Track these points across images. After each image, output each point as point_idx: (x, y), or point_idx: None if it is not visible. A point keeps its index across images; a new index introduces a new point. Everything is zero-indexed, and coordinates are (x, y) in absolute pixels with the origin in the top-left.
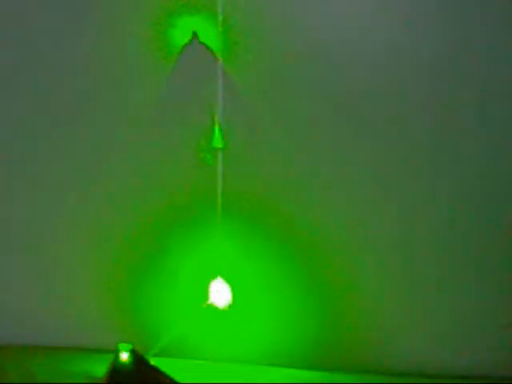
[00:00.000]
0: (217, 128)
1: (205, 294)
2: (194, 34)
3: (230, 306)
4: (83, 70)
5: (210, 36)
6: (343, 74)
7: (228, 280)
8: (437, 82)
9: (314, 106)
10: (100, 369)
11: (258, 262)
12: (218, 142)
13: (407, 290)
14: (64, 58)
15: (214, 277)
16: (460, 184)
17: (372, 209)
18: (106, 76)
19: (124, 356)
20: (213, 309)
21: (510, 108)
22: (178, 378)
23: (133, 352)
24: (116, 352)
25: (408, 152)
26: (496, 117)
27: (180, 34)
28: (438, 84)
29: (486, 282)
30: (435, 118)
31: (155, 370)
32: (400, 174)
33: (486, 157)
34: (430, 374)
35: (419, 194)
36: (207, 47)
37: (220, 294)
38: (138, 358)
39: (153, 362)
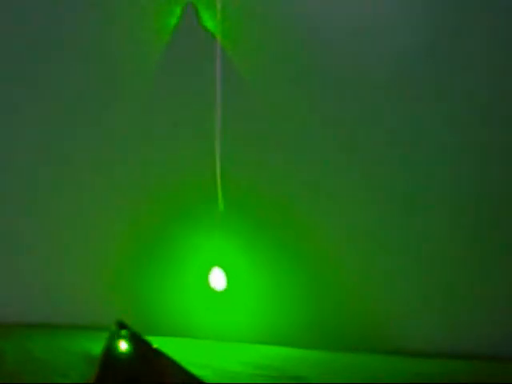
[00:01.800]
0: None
1: (204, 279)
2: (187, 10)
3: (229, 290)
4: (73, 60)
5: (208, 18)
6: (345, 61)
7: (226, 266)
8: (434, 72)
9: (315, 94)
10: (98, 347)
11: (255, 251)
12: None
13: (405, 269)
14: (51, 46)
15: (213, 264)
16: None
17: (366, 198)
18: (101, 66)
19: (121, 337)
20: (212, 292)
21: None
22: (176, 357)
23: (131, 332)
24: (111, 333)
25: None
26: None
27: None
28: (435, 74)
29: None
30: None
31: (155, 351)
32: (401, 175)
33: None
34: (430, 352)
35: (419, 188)
36: (205, 28)
37: (218, 279)
38: (137, 339)
39: (153, 341)
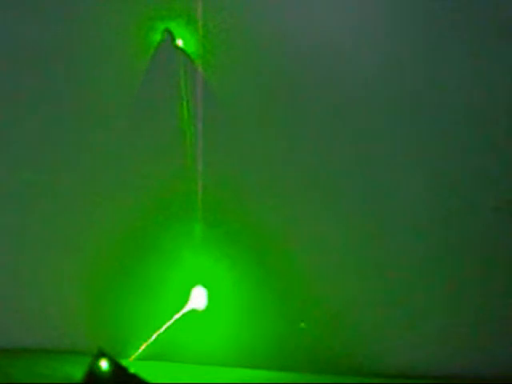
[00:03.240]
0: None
1: (185, 300)
2: (168, 32)
3: (207, 311)
4: (58, 70)
5: (189, 40)
6: (324, 78)
7: (206, 286)
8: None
9: (295, 110)
10: (79, 372)
11: (234, 270)
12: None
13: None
14: (40, 56)
15: (193, 283)
16: (449, 182)
17: (347, 210)
18: (82, 76)
19: (101, 363)
20: (192, 313)
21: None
22: (154, 381)
23: (109, 359)
24: (92, 359)
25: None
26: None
27: (159, 38)
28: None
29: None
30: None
31: (133, 376)
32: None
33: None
34: (396, 373)
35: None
36: (183, 51)
37: (199, 299)
38: (115, 366)
39: (132, 367)
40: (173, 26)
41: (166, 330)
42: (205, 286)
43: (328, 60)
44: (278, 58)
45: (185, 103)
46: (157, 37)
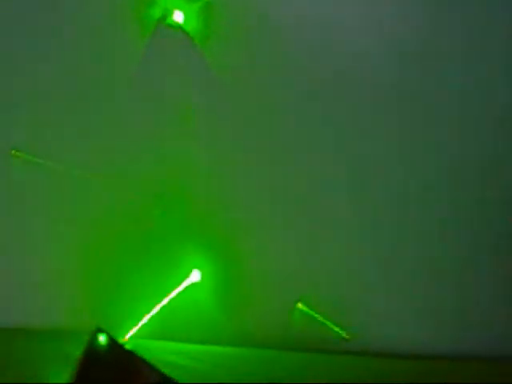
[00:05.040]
0: None
1: (183, 278)
2: (166, 9)
3: (205, 290)
4: (54, 47)
5: (189, 17)
6: (324, 60)
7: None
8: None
9: (290, 90)
10: (76, 350)
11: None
12: None
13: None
14: (38, 38)
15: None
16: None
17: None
18: (78, 55)
19: (99, 340)
20: (189, 291)
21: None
22: (153, 360)
23: (107, 336)
24: (90, 336)
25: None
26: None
27: (159, 15)
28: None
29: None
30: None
31: (130, 353)
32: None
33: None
34: (410, 354)
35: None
36: (182, 29)
37: (196, 279)
38: (113, 342)
39: (128, 344)
40: (172, 2)
41: (163, 308)
42: (202, 267)
43: (331, 36)
44: (282, 37)
45: (184, 83)
46: (156, 13)
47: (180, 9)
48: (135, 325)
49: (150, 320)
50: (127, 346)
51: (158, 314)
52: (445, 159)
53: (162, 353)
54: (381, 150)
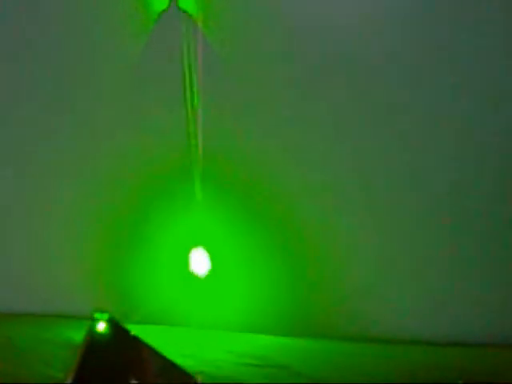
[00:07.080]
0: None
1: (185, 263)
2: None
3: (209, 275)
4: (59, 37)
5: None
6: (324, 48)
7: (208, 249)
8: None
9: (294, 69)
10: (80, 336)
11: (237, 233)
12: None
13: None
14: (38, 29)
15: (193, 246)
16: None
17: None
18: (83, 42)
19: (101, 326)
20: (193, 277)
21: None
22: (157, 345)
23: (111, 321)
24: (92, 321)
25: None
26: None
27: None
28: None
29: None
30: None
31: (134, 338)
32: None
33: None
34: (406, 340)
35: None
36: (186, 13)
37: (200, 262)
38: (116, 327)
39: (133, 329)
40: None
41: (166, 293)
42: (207, 249)
43: (332, 21)
44: (283, 20)
45: (187, 65)
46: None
47: None
48: (141, 310)
49: (155, 305)
50: (132, 331)
51: (163, 298)
52: None
53: (167, 338)
54: None
